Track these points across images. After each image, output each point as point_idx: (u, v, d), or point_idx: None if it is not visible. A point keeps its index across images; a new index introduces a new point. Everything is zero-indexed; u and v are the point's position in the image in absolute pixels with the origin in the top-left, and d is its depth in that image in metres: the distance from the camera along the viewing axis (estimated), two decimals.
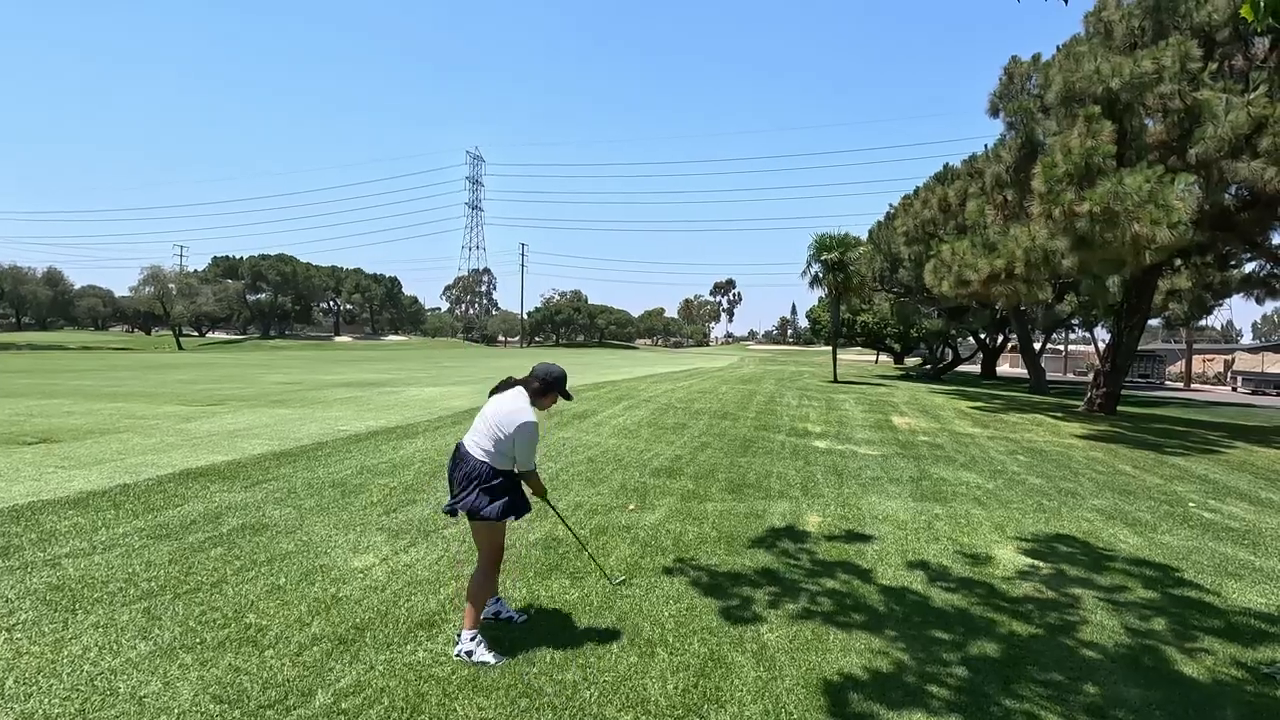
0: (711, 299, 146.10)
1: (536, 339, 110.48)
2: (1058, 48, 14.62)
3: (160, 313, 68.61)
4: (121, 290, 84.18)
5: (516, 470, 3.35)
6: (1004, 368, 49.68)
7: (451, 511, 3.30)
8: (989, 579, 4.56)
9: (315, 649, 3.19)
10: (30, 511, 5.07)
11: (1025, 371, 30.84)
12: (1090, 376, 21.06)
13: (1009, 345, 42.94)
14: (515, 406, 3.28)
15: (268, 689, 2.83)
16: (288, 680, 2.90)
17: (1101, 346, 33.15)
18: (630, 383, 18.86)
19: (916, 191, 22.82)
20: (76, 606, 3.53)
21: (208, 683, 2.86)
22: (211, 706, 2.70)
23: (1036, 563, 4.97)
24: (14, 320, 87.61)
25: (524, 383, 3.42)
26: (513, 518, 3.30)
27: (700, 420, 11.79)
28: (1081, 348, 59.02)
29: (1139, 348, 20.71)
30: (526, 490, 3.43)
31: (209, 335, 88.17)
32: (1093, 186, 11.13)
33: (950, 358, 43.12)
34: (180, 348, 60.22)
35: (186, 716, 2.65)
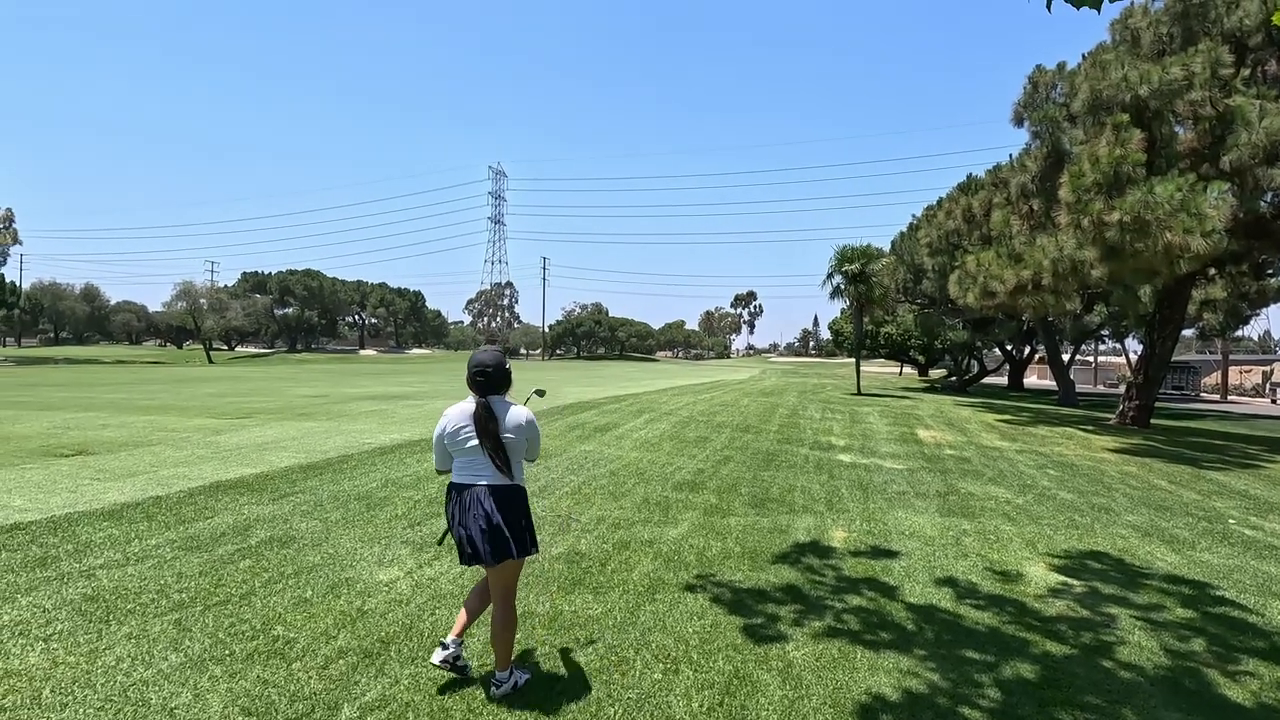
0: (732, 311, 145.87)
1: (558, 351, 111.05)
2: (1083, 56, 14.45)
3: (191, 327, 70.41)
4: (155, 305, 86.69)
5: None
6: (1031, 380, 48.79)
7: (481, 561, 2.94)
8: (1020, 597, 4.46)
9: (341, 662, 3.21)
10: (66, 523, 5.19)
11: (1053, 383, 30.22)
12: (1122, 388, 20.57)
13: (1036, 357, 42.24)
14: (519, 409, 3.05)
15: (295, 702, 2.86)
16: (314, 693, 2.93)
17: (1133, 358, 32.48)
18: (651, 395, 18.84)
19: (940, 202, 22.54)
20: (110, 617, 3.59)
21: (236, 695, 2.89)
22: (240, 719, 2.73)
23: (1070, 580, 4.84)
24: (52, 335, 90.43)
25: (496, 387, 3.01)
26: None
27: (722, 433, 11.73)
28: (1112, 359, 57.85)
29: (1172, 359, 20.19)
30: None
31: (238, 349, 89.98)
32: (1122, 195, 10.95)
33: (976, 370, 42.49)
34: (210, 361, 61.54)
35: None
